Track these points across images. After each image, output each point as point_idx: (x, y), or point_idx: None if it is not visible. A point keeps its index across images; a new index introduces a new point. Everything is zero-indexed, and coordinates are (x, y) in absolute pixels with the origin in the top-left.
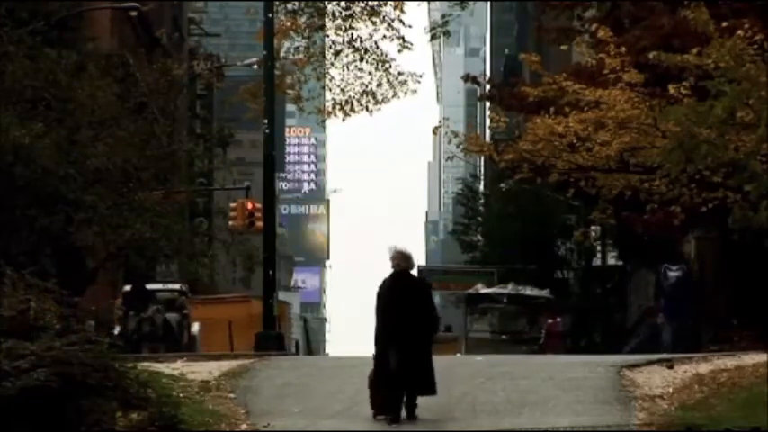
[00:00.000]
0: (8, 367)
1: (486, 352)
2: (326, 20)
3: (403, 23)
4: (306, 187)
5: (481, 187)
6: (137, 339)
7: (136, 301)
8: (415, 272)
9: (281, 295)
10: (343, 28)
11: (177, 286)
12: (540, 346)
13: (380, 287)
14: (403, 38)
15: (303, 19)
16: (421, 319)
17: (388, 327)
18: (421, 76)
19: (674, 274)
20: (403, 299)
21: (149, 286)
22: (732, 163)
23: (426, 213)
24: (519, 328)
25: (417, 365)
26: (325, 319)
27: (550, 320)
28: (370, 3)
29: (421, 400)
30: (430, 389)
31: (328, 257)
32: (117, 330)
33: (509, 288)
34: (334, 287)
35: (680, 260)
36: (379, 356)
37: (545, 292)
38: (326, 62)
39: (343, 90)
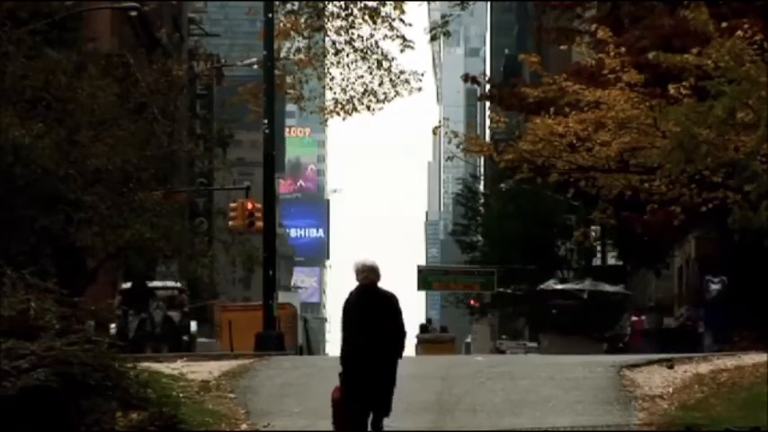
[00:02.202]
0: (8, 367)
1: (562, 351)
2: (326, 20)
3: (403, 22)
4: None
5: (481, 187)
6: (139, 338)
7: (135, 299)
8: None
9: (281, 296)
10: (344, 28)
11: (176, 284)
12: (624, 344)
13: (346, 302)
14: (404, 37)
15: (303, 19)
16: (388, 336)
17: (356, 344)
18: (422, 75)
19: (715, 286)
20: (370, 314)
21: (148, 284)
22: (732, 163)
23: (426, 213)
24: (599, 326)
25: (382, 385)
26: (325, 319)
27: (635, 318)
28: (369, 3)
29: (421, 400)
30: (385, 410)
31: (328, 257)
32: (114, 329)
33: (587, 284)
34: (334, 287)
35: (720, 272)
36: (347, 376)
37: (621, 288)
38: (327, 62)
39: (344, 89)
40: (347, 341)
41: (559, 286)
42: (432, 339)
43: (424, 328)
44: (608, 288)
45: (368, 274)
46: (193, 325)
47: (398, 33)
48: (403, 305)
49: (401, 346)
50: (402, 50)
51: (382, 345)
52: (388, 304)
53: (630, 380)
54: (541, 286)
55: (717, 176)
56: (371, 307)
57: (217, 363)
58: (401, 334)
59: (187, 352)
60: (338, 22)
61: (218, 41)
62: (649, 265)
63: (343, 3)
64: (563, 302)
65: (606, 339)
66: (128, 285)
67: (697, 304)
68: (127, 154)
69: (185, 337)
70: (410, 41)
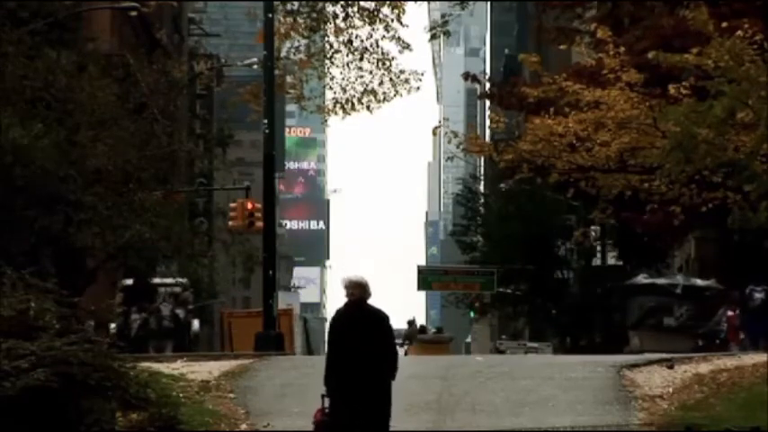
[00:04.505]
0: (8, 367)
1: (656, 348)
2: (326, 22)
3: (400, 23)
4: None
5: (481, 187)
6: (143, 336)
7: (137, 296)
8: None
9: (281, 296)
10: (343, 29)
11: (181, 280)
12: (721, 340)
13: (334, 318)
14: (400, 38)
15: (302, 19)
16: (378, 356)
17: (342, 364)
18: (422, 75)
19: (759, 295)
20: (358, 333)
21: (151, 281)
22: (732, 163)
23: (426, 213)
24: (693, 321)
25: (373, 408)
26: (325, 319)
27: (731, 312)
28: (367, 4)
29: (421, 400)
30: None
31: (328, 257)
32: (114, 328)
33: (678, 278)
34: (334, 287)
35: (763, 281)
36: (334, 398)
37: (713, 282)
38: (327, 61)
39: (344, 89)
40: (333, 360)
41: (648, 280)
42: (429, 340)
43: (422, 329)
44: (700, 282)
45: (354, 290)
46: (196, 323)
47: (396, 35)
48: (403, 305)
49: (394, 367)
50: (400, 52)
51: (370, 362)
52: (378, 323)
53: (630, 380)
54: (629, 281)
55: (717, 176)
56: (360, 325)
57: (217, 363)
58: (393, 354)
59: (190, 351)
60: (337, 23)
61: (218, 41)
62: (649, 265)
63: (341, 4)
64: (654, 298)
65: (701, 336)
66: (129, 282)
67: (741, 312)
68: (127, 154)
69: (188, 338)
70: (407, 43)
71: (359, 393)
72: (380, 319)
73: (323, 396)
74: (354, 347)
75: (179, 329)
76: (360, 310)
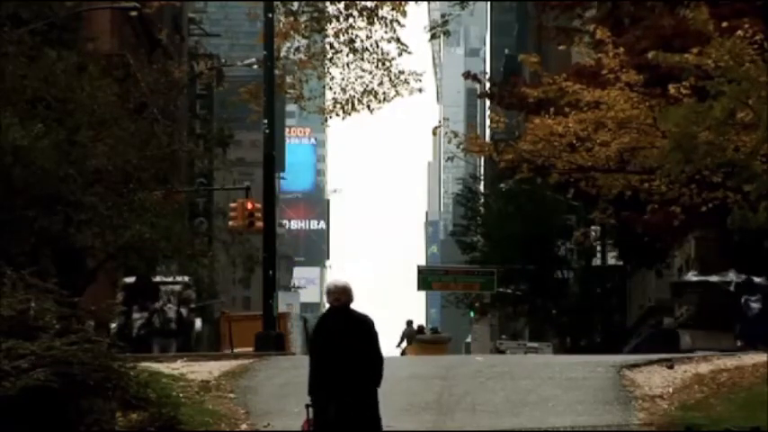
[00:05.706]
0: (8, 367)
1: (707, 346)
2: (326, 23)
3: (398, 23)
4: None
5: (481, 187)
6: (146, 335)
7: (140, 294)
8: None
9: (281, 296)
10: (343, 30)
11: (184, 278)
12: None
13: (317, 325)
14: (398, 39)
15: (303, 18)
16: (363, 363)
17: (325, 373)
18: (422, 75)
19: (755, 305)
20: (342, 339)
21: (154, 279)
22: (732, 163)
23: (426, 213)
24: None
25: (360, 416)
26: None
27: None
28: (368, 3)
29: (421, 400)
30: None
31: (328, 257)
32: (114, 327)
33: (731, 275)
34: None
35: (756, 290)
36: (315, 408)
37: (763, 280)
38: (327, 61)
39: (344, 89)
40: (316, 367)
41: (700, 278)
42: (428, 340)
43: (420, 329)
44: (757, 280)
45: (339, 296)
46: (198, 323)
47: (395, 36)
48: (403, 305)
49: (379, 374)
50: (400, 54)
51: (355, 370)
52: (363, 328)
53: (630, 380)
54: (679, 279)
55: (717, 176)
56: (344, 331)
57: (217, 363)
58: (378, 360)
59: (193, 350)
60: (337, 24)
61: (219, 41)
62: (649, 265)
63: (343, 4)
64: (707, 296)
65: None
66: (131, 280)
67: (737, 321)
68: (127, 154)
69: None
70: (405, 45)
71: (346, 401)
72: (368, 325)
73: (307, 406)
74: (344, 354)
75: (181, 329)
76: (344, 315)
